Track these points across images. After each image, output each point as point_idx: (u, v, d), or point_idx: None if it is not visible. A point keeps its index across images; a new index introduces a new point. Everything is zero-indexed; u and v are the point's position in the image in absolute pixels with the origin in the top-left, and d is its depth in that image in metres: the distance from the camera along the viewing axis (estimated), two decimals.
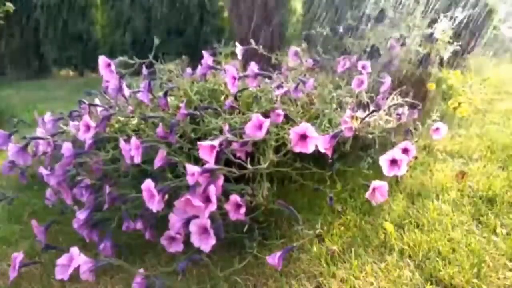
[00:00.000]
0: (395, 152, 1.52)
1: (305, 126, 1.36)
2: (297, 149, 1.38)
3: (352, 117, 1.71)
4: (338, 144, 1.62)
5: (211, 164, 1.31)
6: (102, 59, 1.73)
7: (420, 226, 1.43)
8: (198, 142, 1.32)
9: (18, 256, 1.36)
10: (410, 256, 1.29)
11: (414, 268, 1.24)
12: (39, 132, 2.13)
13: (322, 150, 1.44)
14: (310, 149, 1.36)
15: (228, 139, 1.40)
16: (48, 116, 2.14)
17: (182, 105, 1.70)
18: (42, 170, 1.76)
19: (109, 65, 1.73)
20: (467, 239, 1.32)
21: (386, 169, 1.53)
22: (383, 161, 1.53)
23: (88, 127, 1.66)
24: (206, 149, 1.30)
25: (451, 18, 2.62)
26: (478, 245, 1.28)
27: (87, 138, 1.65)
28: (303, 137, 1.37)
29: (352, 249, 1.34)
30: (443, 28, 2.53)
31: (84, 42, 8.87)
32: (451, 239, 1.33)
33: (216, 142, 1.31)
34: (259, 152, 1.55)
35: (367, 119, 1.74)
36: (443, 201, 1.56)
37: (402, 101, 1.91)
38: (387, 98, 1.99)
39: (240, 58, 2.18)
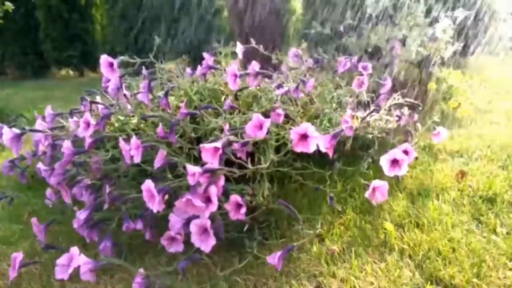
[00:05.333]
0: (396, 152, 1.52)
1: (306, 126, 1.36)
2: (298, 149, 1.38)
3: (353, 117, 1.71)
4: (338, 144, 1.62)
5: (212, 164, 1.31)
6: (104, 58, 1.72)
7: (420, 226, 1.43)
8: (201, 145, 1.31)
9: (18, 256, 1.36)
10: (410, 256, 1.29)
11: (414, 268, 1.23)
12: (38, 124, 2.10)
13: (323, 150, 1.43)
14: (311, 149, 1.36)
15: (229, 140, 1.40)
16: (48, 110, 2.12)
17: (182, 105, 1.70)
18: (41, 166, 1.75)
19: (111, 64, 1.72)
20: (467, 238, 1.32)
21: (386, 169, 1.53)
22: (384, 161, 1.53)
23: (88, 124, 1.65)
24: (209, 152, 1.30)
25: (452, 18, 2.62)
26: (478, 244, 1.28)
27: (86, 135, 1.64)
28: (304, 137, 1.37)
29: (352, 249, 1.34)
30: (444, 28, 2.53)
31: (84, 42, 8.87)
32: (451, 238, 1.33)
33: (219, 144, 1.30)
34: (259, 152, 1.55)
35: (367, 119, 1.74)
36: (443, 201, 1.56)
37: (402, 101, 1.91)
38: (387, 99, 1.99)
39: (241, 57, 2.17)
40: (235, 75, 1.82)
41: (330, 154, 1.48)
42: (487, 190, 1.60)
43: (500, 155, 1.95)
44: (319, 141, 1.38)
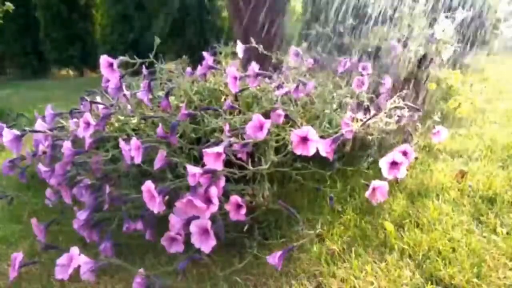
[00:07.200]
0: (395, 155, 1.52)
1: (307, 129, 1.36)
2: (298, 152, 1.39)
3: (353, 119, 1.71)
4: (338, 145, 1.62)
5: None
6: (104, 59, 1.72)
7: (420, 226, 1.43)
8: (203, 150, 1.31)
9: (18, 256, 1.36)
10: (410, 256, 1.29)
11: (414, 268, 1.23)
12: (38, 125, 2.09)
13: (323, 154, 1.44)
14: (310, 152, 1.37)
15: (230, 142, 1.40)
16: (48, 109, 2.11)
17: (183, 105, 1.69)
18: (41, 167, 1.75)
19: (111, 64, 1.72)
20: (467, 238, 1.32)
21: (386, 172, 1.53)
22: (383, 163, 1.53)
23: (88, 124, 1.65)
24: (212, 156, 1.30)
25: (452, 18, 2.62)
26: (478, 244, 1.28)
27: (86, 135, 1.64)
28: (304, 139, 1.37)
29: (352, 248, 1.34)
30: (444, 28, 2.53)
31: (84, 42, 8.87)
32: (451, 238, 1.33)
33: (221, 149, 1.30)
34: (259, 152, 1.55)
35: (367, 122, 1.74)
36: (443, 201, 1.56)
37: (402, 104, 1.91)
38: (387, 100, 1.99)
39: (241, 57, 2.17)
40: (235, 77, 1.82)
41: (330, 158, 1.49)
42: (487, 190, 1.60)
43: (500, 155, 1.95)
44: (319, 145, 1.38)
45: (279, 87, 1.96)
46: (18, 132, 1.77)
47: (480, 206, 1.50)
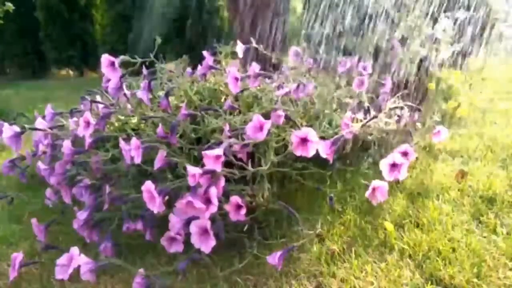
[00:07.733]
0: (395, 156, 1.52)
1: (307, 131, 1.36)
2: (297, 153, 1.39)
3: (353, 119, 1.71)
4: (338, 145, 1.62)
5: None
6: (105, 58, 1.72)
7: (420, 226, 1.43)
8: (203, 152, 1.31)
9: (18, 256, 1.36)
10: (410, 256, 1.29)
11: (414, 268, 1.23)
12: (39, 123, 2.08)
13: (323, 156, 1.44)
14: (310, 153, 1.37)
15: (230, 143, 1.40)
16: (49, 108, 2.11)
17: (183, 105, 1.69)
18: (41, 165, 1.75)
19: (112, 63, 1.72)
20: (467, 238, 1.32)
21: (386, 173, 1.53)
22: (384, 165, 1.53)
23: (88, 124, 1.65)
24: (211, 159, 1.30)
25: (452, 18, 2.62)
26: (478, 244, 1.28)
27: (86, 134, 1.64)
28: (304, 140, 1.37)
29: (352, 248, 1.34)
30: (444, 28, 2.53)
31: (84, 42, 8.87)
32: (451, 238, 1.33)
33: (220, 151, 1.30)
34: (259, 153, 1.55)
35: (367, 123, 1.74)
36: (443, 201, 1.56)
37: (403, 104, 1.91)
38: (387, 100, 1.99)
39: (241, 57, 2.17)
40: (236, 78, 1.82)
41: (330, 160, 1.49)
42: (487, 190, 1.60)
43: (500, 155, 1.95)
44: (319, 146, 1.39)
45: (279, 87, 1.96)
46: (18, 129, 1.77)
47: (480, 206, 1.50)
